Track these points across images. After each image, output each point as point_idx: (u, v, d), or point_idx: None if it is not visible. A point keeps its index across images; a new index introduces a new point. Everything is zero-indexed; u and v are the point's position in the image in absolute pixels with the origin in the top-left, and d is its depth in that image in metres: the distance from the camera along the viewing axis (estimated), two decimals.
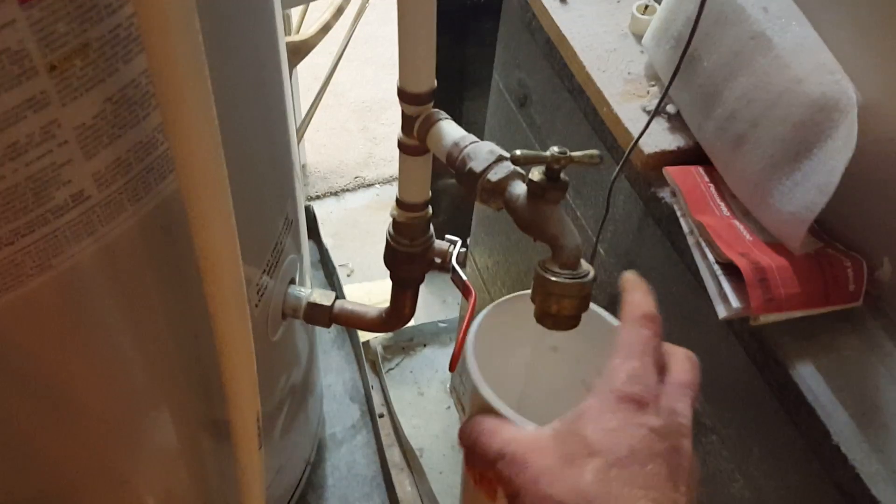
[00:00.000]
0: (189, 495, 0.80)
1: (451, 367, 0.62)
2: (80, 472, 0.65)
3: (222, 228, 0.46)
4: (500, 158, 0.52)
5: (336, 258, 1.64)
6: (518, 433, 0.41)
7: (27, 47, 0.36)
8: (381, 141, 2.07)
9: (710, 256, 0.59)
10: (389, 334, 1.58)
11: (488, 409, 0.44)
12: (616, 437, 0.37)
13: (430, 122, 0.57)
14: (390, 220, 0.70)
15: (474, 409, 0.46)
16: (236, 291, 0.51)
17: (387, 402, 1.43)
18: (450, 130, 0.56)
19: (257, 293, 0.69)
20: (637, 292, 0.44)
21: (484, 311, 0.51)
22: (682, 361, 0.42)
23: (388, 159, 2.02)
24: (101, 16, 0.39)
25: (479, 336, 0.49)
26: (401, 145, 0.61)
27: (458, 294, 1.53)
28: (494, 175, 0.52)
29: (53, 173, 0.41)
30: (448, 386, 1.54)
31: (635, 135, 0.66)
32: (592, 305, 0.52)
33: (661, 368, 0.41)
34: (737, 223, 0.61)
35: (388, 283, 1.72)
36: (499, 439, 0.40)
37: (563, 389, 0.55)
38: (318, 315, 0.77)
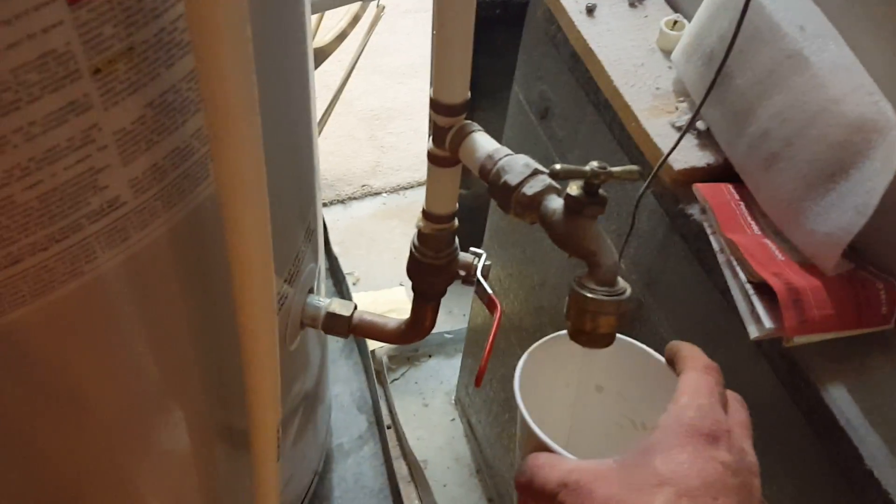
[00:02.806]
0: (200, 503, 0.80)
1: (477, 383, 0.61)
2: (93, 479, 0.64)
3: (258, 236, 0.45)
4: (536, 172, 0.52)
5: (342, 266, 1.63)
6: (579, 464, 0.40)
7: (73, 49, 0.36)
8: (388, 150, 2.06)
9: (742, 275, 0.59)
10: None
11: (542, 448, 0.43)
12: (687, 469, 0.37)
13: (463, 134, 0.56)
14: (414, 230, 0.69)
15: (527, 449, 0.45)
16: (266, 300, 0.50)
17: (391, 412, 1.42)
18: (483, 142, 0.56)
19: (278, 302, 0.69)
20: (694, 349, 0.45)
21: (528, 352, 0.50)
22: (734, 403, 0.43)
23: (396, 168, 2.01)
24: (147, 19, 0.38)
25: (525, 375, 0.48)
26: (431, 156, 0.60)
27: (465, 305, 1.53)
28: (530, 189, 0.51)
29: (91, 178, 0.41)
30: (453, 398, 1.53)
31: (664, 150, 0.65)
32: (635, 342, 0.51)
33: (725, 411, 0.41)
34: (768, 242, 0.61)
35: (394, 292, 1.70)
36: (559, 471, 0.39)
37: (610, 429, 0.55)
38: (338, 325, 0.76)
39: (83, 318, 0.48)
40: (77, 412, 0.55)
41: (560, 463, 0.40)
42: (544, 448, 0.43)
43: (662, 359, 0.50)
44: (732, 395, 0.44)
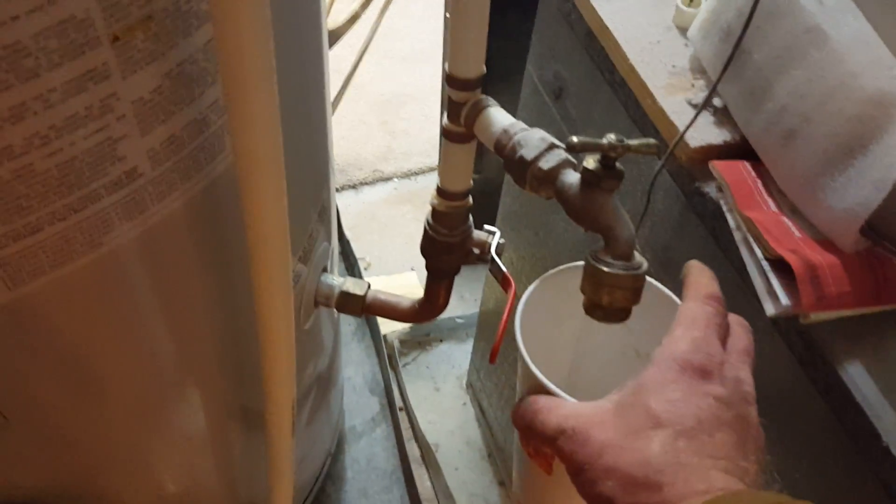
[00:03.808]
0: (214, 482, 0.80)
1: (492, 359, 0.61)
2: (110, 455, 0.65)
3: (274, 203, 0.45)
4: (552, 146, 0.51)
5: (354, 251, 1.64)
6: (576, 408, 0.40)
7: (92, 16, 0.36)
8: (400, 135, 2.06)
9: (759, 252, 0.58)
10: (406, 329, 1.58)
11: (541, 390, 0.44)
12: (681, 407, 0.37)
13: (479, 109, 0.56)
14: (426, 214, 0.69)
15: (526, 389, 0.46)
16: (283, 272, 0.50)
17: (403, 396, 1.42)
18: (499, 117, 0.55)
19: (292, 280, 0.69)
20: (703, 276, 0.44)
21: (531, 286, 0.51)
22: (736, 329, 0.42)
23: (407, 153, 2.01)
24: None
25: (528, 311, 0.49)
26: (446, 132, 0.60)
27: (476, 290, 1.53)
28: (546, 163, 0.51)
29: (109, 148, 0.41)
30: (464, 382, 1.53)
31: (680, 128, 0.65)
32: None
33: (723, 342, 0.41)
34: (785, 219, 0.60)
35: (406, 277, 1.70)
36: (556, 416, 0.40)
37: (615, 359, 0.55)
38: (351, 304, 0.76)
39: (101, 290, 0.48)
40: (95, 387, 0.56)
41: (557, 407, 0.40)
42: (543, 389, 0.43)
43: (668, 292, 0.50)
44: (736, 321, 0.43)
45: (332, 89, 1.70)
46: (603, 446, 0.37)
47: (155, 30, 0.39)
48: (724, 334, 0.41)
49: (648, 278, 0.52)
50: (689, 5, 0.73)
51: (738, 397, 0.38)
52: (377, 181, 1.95)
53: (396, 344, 1.56)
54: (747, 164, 0.64)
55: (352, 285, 0.76)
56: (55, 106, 0.37)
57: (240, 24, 0.35)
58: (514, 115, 0.55)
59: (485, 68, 0.56)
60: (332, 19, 1.37)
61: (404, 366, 1.55)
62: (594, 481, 0.36)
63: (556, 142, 0.52)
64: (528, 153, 0.51)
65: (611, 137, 0.46)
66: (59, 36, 0.35)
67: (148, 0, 0.37)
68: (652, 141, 0.47)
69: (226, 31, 0.35)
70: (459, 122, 0.57)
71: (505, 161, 0.53)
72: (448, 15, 0.55)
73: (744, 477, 0.36)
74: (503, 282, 0.66)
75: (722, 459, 0.36)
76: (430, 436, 1.40)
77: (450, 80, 0.56)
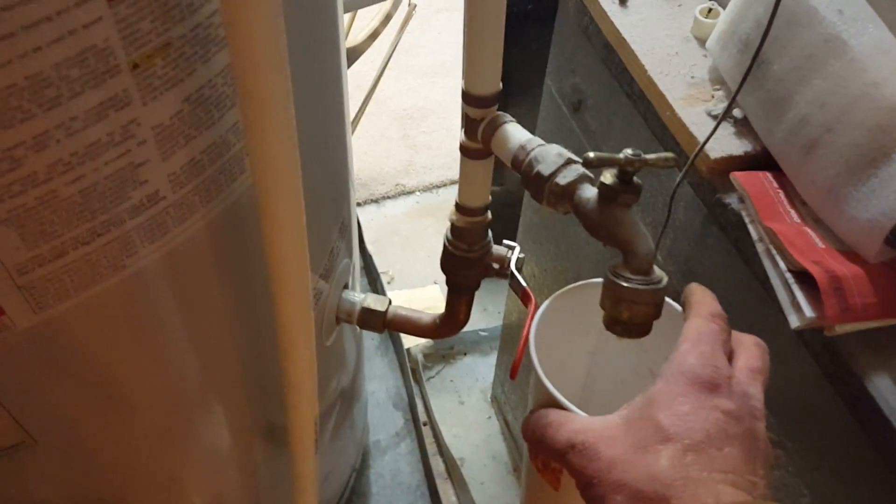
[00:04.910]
0: (239, 497, 0.80)
1: (512, 375, 0.61)
2: (136, 473, 0.65)
3: (293, 224, 0.46)
4: (569, 161, 0.51)
5: (377, 265, 1.64)
6: (586, 423, 0.40)
7: (112, 45, 0.36)
8: (421, 149, 2.07)
9: (782, 264, 0.58)
10: (430, 342, 1.58)
11: (552, 403, 0.44)
12: (690, 421, 0.37)
13: (495, 125, 0.56)
14: (448, 225, 0.69)
15: (538, 402, 0.46)
16: (302, 289, 0.51)
17: (427, 410, 1.42)
18: (516, 133, 0.55)
19: (313, 297, 0.69)
20: (705, 297, 0.44)
21: (547, 301, 0.51)
22: (751, 348, 0.42)
23: (429, 167, 2.02)
24: (183, 15, 0.39)
25: (543, 326, 0.49)
26: (463, 149, 0.60)
27: (500, 303, 1.53)
28: (563, 178, 0.51)
29: (131, 173, 0.41)
30: (489, 396, 1.53)
31: (700, 139, 0.64)
32: None
33: (730, 358, 0.41)
34: (808, 230, 0.60)
35: (429, 290, 1.70)
36: (566, 430, 0.40)
37: (628, 378, 0.55)
38: (373, 320, 0.76)
39: (125, 312, 0.49)
40: (120, 407, 0.56)
41: (568, 422, 0.40)
42: (554, 402, 0.43)
43: (682, 310, 0.50)
44: (752, 341, 0.43)
45: (354, 105, 1.71)
46: (612, 461, 0.37)
47: (174, 56, 0.39)
48: (729, 351, 0.42)
49: (667, 299, 0.51)
50: (707, 16, 0.72)
51: (747, 412, 0.38)
52: (399, 195, 1.96)
53: (420, 358, 1.56)
54: (769, 175, 0.63)
55: (373, 301, 0.77)
56: (77, 133, 0.37)
57: (254, 50, 0.36)
58: (533, 128, 0.55)
59: (501, 85, 0.56)
60: (352, 37, 1.38)
61: (428, 379, 1.54)
62: (603, 496, 0.37)
63: (574, 157, 0.52)
64: (545, 169, 0.51)
65: (627, 152, 0.46)
66: (80, 65, 0.35)
67: (166, 28, 0.38)
68: (669, 155, 0.47)
69: (241, 56, 0.36)
70: (476, 139, 0.58)
71: (522, 177, 0.53)
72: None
73: (752, 491, 0.36)
74: (523, 297, 0.66)
75: (730, 473, 0.36)
76: (456, 450, 1.39)
77: (466, 97, 0.56)
